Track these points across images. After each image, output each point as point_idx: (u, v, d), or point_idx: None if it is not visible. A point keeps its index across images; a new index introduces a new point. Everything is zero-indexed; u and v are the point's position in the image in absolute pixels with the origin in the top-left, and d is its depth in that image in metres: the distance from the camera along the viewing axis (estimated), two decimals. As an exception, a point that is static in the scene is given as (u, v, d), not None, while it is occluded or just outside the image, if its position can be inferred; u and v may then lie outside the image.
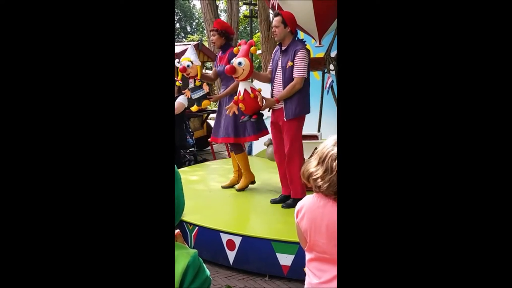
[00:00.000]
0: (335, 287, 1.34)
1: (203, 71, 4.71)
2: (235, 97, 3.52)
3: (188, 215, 3.40)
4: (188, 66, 3.81)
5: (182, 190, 1.12)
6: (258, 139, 4.20)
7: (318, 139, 4.19)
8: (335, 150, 1.35)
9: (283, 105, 3.45)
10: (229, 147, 4.43)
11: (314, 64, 4.06)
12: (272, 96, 3.58)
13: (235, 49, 3.51)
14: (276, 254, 2.92)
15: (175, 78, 4.09)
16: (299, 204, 1.48)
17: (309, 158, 1.48)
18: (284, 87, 3.43)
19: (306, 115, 3.55)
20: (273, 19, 3.88)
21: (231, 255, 3.10)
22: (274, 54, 3.68)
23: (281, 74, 3.48)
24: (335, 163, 1.32)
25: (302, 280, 1.52)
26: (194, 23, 33.79)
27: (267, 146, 4.46)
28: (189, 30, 32.95)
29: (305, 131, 3.66)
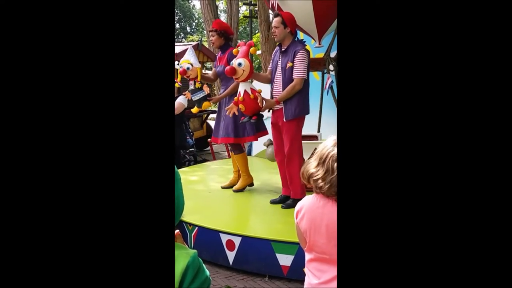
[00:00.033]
0: (335, 287, 1.34)
1: (203, 71, 4.71)
2: (235, 98, 3.53)
3: (188, 215, 3.40)
4: (188, 68, 3.82)
5: (182, 190, 1.12)
6: (257, 139, 4.21)
7: (317, 140, 4.19)
8: (335, 150, 1.35)
9: (282, 106, 3.45)
10: (229, 148, 4.43)
11: (313, 64, 4.06)
12: (271, 97, 3.58)
13: (234, 50, 3.52)
14: (276, 254, 2.92)
15: (175, 80, 4.10)
16: (298, 205, 1.48)
17: (308, 158, 1.48)
18: (284, 88, 3.43)
19: (306, 116, 3.55)
20: (272, 19, 3.88)
21: (230, 256, 3.10)
22: (274, 55, 3.68)
23: (280, 74, 3.48)
24: (336, 164, 1.32)
25: (301, 281, 1.52)
26: (194, 24, 33.79)
27: (267, 147, 4.47)
28: (188, 31, 32.96)
29: (304, 132, 3.67)
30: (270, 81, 3.64)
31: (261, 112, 3.54)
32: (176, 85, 4.20)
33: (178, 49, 7.61)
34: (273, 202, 3.70)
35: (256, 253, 3.01)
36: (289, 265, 2.89)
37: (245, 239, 3.05)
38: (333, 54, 4.31)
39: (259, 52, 8.70)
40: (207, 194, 4.14)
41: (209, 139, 5.93)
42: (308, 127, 3.96)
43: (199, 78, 3.89)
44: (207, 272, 1.11)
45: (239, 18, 11.61)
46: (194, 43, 9.06)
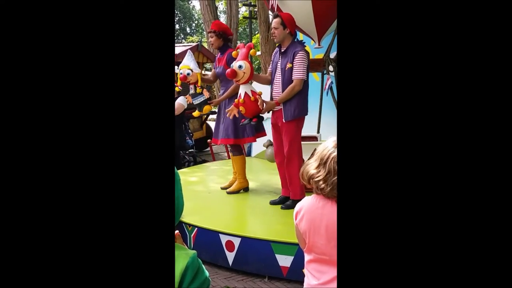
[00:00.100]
0: (334, 288, 1.34)
1: (202, 72, 4.72)
2: (236, 100, 3.53)
3: (188, 216, 3.39)
4: (188, 74, 3.84)
5: (182, 191, 1.12)
6: (256, 140, 4.21)
7: (317, 140, 4.19)
8: (336, 152, 1.34)
9: (282, 107, 3.46)
10: (229, 149, 4.43)
11: (313, 65, 4.06)
12: (271, 98, 3.59)
13: (233, 52, 3.52)
14: (276, 255, 2.92)
15: (175, 84, 4.11)
16: (298, 205, 1.48)
17: (308, 159, 1.48)
18: (283, 89, 3.43)
19: (306, 117, 3.55)
20: (272, 20, 3.89)
21: (230, 256, 3.10)
22: (274, 56, 3.68)
23: (280, 75, 3.48)
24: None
25: (301, 281, 1.52)
26: (194, 24, 33.80)
27: (266, 147, 4.47)
28: (188, 31, 32.97)
29: (304, 132, 3.67)
30: (270, 82, 3.65)
31: (261, 114, 3.54)
32: (177, 89, 4.21)
33: (177, 50, 7.61)
34: (273, 203, 3.70)
35: (256, 254, 3.01)
36: (289, 266, 2.88)
37: (245, 240, 3.04)
38: (332, 55, 4.32)
39: (258, 53, 8.71)
40: (206, 195, 4.14)
41: (208, 140, 5.94)
42: (308, 128, 3.96)
43: (199, 83, 3.90)
44: (207, 273, 1.11)
45: (239, 19, 11.61)
46: (194, 44, 9.07)
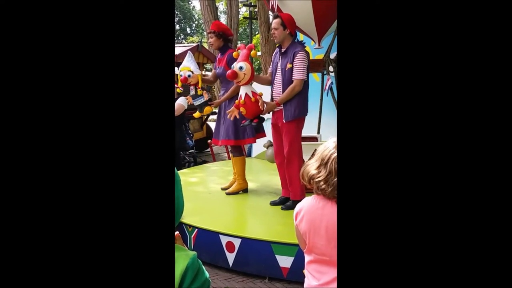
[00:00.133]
0: (335, 289, 1.34)
1: (203, 72, 4.73)
2: (236, 101, 3.53)
3: (188, 217, 3.39)
4: (189, 76, 3.84)
5: (182, 192, 1.12)
6: (256, 141, 4.22)
7: (317, 141, 4.19)
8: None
9: (282, 107, 3.46)
10: (229, 149, 4.43)
11: (313, 65, 4.06)
12: (272, 98, 3.59)
13: (234, 53, 3.52)
14: (276, 256, 2.92)
15: (176, 85, 4.11)
16: (298, 206, 1.47)
17: (308, 160, 1.47)
18: (283, 89, 3.43)
19: (306, 117, 3.56)
20: (272, 21, 3.89)
21: (230, 257, 3.09)
22: (274, 56, 3.69)
23: (280, 76, 3.49)
24: None
25: (301, 282, 1.52)
26: (194, 25, 33.83)
27: (267, 148, 4.47)
28: (188, 32, 32.99)
29: (304, 133, 3.67)
30: (270, 83, 3.65)
31: (262, 115, 3.54)
32: (178, 90, 4.21)
33: (178, 50, 7.62)
34: (273, 203, 3.70)
35: (256, 255, 3.01)
36: (289, 266, 2.88)
37: (245, 240, 3.04)
38: (332, 55, 4.32)
39: (259, 53, 8.71)
40: (207, 195, 4.14)
41: (209, 141, 5.94)
42: (308, 128, 3.96)
43: (200, 85, 3.90)
44: (207, 274, 1.11)
45: (239, 19, 11.62)
46: (194, 44, 9.08)
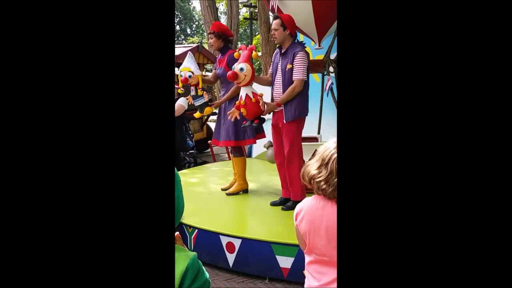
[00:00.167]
0: (335, 289, 1.34)
1: (203, 73, 4.73)
2: (237, 102, 3.53)
3: (188, 217, 3.39)
4: (189, 76, 3.85)
5: (182, 192, 1.12)
6: (256, 142, 4.22)
7: (318, 141, 4.19)
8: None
9: (283, 108, 3.46)
10: (230, 150, 4.43)
11: (313, 66, 4.07)
12: (272, 99, 3.59)
13: (235, 53, 3.52)
14: (276, 256, 2.92)
15: (177, 86, 4.12)
16: (298, 207, 1.47)
17: (309, 160, 1.47)
18: (284, 90, 3.44)
19: (306, 117, 3.56)
20: (272, 21, 3.90)
21: (230, 258, 3.09)
22: (274, 57, 3.69)
23: (281, 76, 3.49)
24: None
25: (302, 283, 1.52)
26: (194, 25, 33.84)
27: (267, 148, 4.47)
28: (189, 32, 33.00)
29: (304, 133, 3.67)
30: (271, 83, 3.65)
31: (262, 116, 3.54)
32: (179, 91, 4.21)
33: (178, 50, 7.62)
34: (273, 204, 3.70)
35: (256, 255, 3.01)
36: (289, 267, 2.88)
37: (245, 241, 3.04)
38: (333, 55, 4.32)
39: (259, 54, 8.71)
40: (207, 196, 4.14)
41: (209, 141, 5.94)
42: (308, 129, 3.96)
43: (200, 85, 3.91)
44: (207, 275, 1.11)
45: (239, 20, 11.62)
46: (195, 45, 9.08)
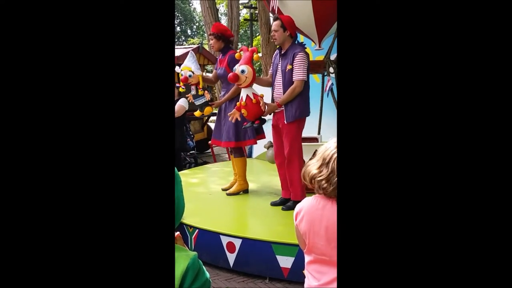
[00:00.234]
0: (335, 289, 1.34)
1: (204, 73, 4.74)
2: (238, 103, 3.54)
3: (188, 217, 3.40)
4: (190, 76, 3.85)
5: (182, 193, 1.12)
6: (256, 143, 4.23)
7: (318, 142, 4.20)
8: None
9: (283, 108, 3.47)
10: (230, 150, 4.44)
11: (314, 67, 4.07)
12: (272, 100, 3.60)
13: (236, 54, 3.53)
14: (276, 256, 2.92)
15: (178, 84, 4.12)
16: (298, 206, 1.48)
17: (309, 160, 1.48)
18: (284, 91, 3.44)
19: (307, 118, 3.56)
20: (272, 23, 3.90)
21: (231, 258, 3.10)
22: (274, 58, 3.69)
23: (281, 77, 3.49)
24: None
25: (302, 282, 1.52)
26: (195, 27, 33.81)
27: (267, 149, 4.48)
28: (189, 34, 32.97)
29: (305, 134, 3.67)
30: (271, 84, 3.66)
31: (263, 117, 3.55)
32: (181, 89, 4.22)
33: (178, 52, 7.63)
34: (274, 204, 3.71)
35: (257, 255, 3.01)
36: (290, 267, 2.88)
37: (246, 241, 3.04)
38: (333, 56, 4.32)
39: (259, 54, 8.71)
40: (207, 196, 4.14)
41: (209, 141, 5.95)
42: (309, 129, 3.96)
43: (201, 85, 3.91)
44: (207, 274, 1.11)
45: (240, 21, 11.62)
46: (195, 46, 9.08)
